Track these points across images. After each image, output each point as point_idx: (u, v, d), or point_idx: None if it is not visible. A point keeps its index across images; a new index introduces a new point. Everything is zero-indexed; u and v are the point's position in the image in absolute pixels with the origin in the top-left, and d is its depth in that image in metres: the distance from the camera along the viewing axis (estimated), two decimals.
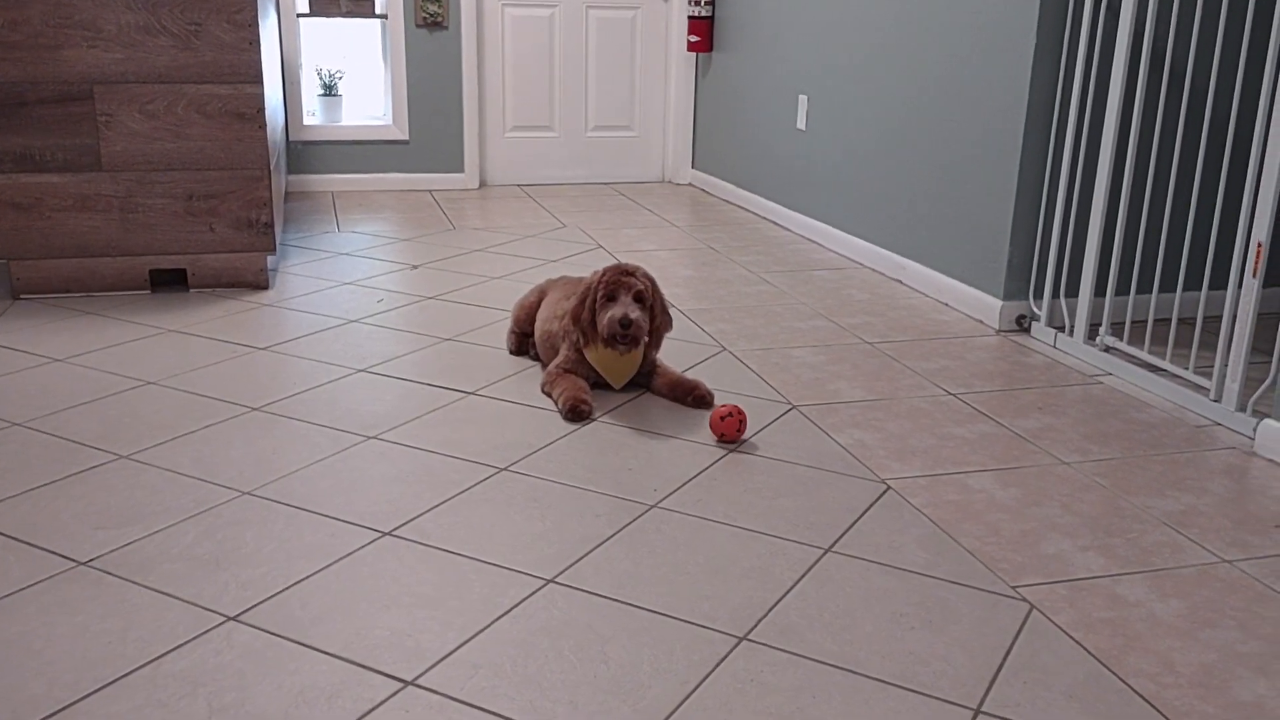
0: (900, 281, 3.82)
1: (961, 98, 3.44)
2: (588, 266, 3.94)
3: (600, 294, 2.55)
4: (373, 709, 1.49)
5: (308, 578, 1.81)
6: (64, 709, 1.47)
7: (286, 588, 1.78)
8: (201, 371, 2.76)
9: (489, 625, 1.69)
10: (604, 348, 2.57)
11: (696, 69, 5.61)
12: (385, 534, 1.96)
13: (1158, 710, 1.53)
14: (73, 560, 1.85)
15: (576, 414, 2.50)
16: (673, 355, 2.98)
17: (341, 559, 1.87)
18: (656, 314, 2.61)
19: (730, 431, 2.37)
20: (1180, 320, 2.96)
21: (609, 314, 2.52)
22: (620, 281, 2.55)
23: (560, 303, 2.77)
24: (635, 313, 2.52)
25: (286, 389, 2.66)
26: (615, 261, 2.94)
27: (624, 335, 2.52)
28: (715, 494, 2.14)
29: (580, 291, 2.61)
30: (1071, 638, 1.70)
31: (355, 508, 2.05)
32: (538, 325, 2.83)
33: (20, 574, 1.81)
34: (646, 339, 2.59)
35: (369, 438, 2.37)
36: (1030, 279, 3.28)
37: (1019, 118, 3.16)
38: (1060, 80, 3.11)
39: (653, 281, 2.61)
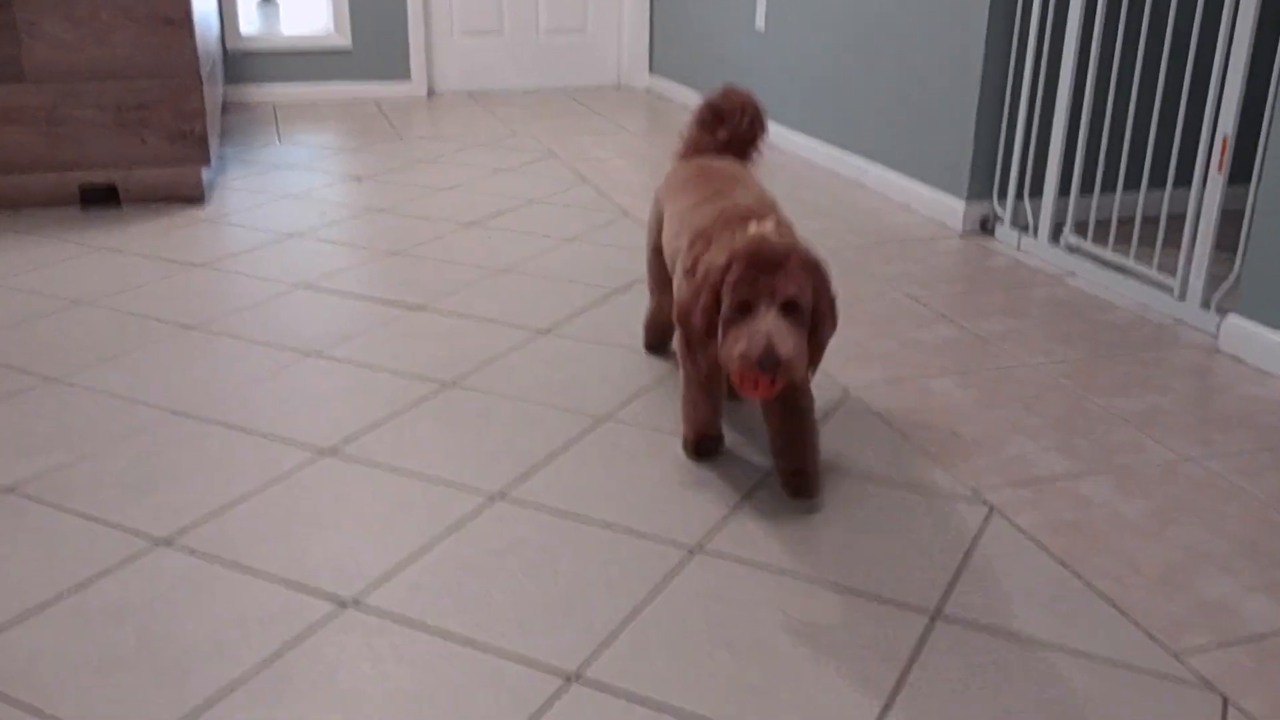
0: (861, 184, 3.73)
1: None
2: (541, 176, 3.82)
3: (729, 297, 1.58)
4: (312, 631, 1.42)
5: (244, 499, 1.73)
6: None
7: (221, 510, 1.70)
8: (134, 291, 2.64)
9: (433, 544, 1.62)
10: (736, 382, 1.62)
11: None
12: (325, 453, 1.88)
13: (1121, 611, 1.50)
14: None
15: (701, 453, 1.87)
16: (624, 263, 2.89)
17: (279, 480, 1.79)
18: (820, 321, 1.63)
19: (764, 391, 1.60)
20: (1144, 219, 2.90)
21: (740, 342, 1.55)
22: (760, 283, 1.55)
23: (700, 205, 1.85)
24: (787, 344, 1.53)
25: (223, 307, 2.55)
26: (733, 207, 1.76)
27: (762, 380, 1.57)
28: (671, 406, 2.08)
29: (696, 283, 1.65)
30: (1033, 540, 1.66)
31: (294, 427, 1.97)
32: (665, 241, 1.99)
33: None
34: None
35: (310, 355, 2.28)
36: (994, 180, 3.20)
37: (982, 13, 3.05)
38: None
39: (816, 268, 1.61)
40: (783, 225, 1.74)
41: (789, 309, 1.57)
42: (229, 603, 1.48)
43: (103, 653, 1.38)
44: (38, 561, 1.57)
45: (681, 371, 1.84)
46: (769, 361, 1.53)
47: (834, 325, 1.66)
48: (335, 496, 1.75)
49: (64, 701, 1.29)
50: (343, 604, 1.48)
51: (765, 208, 1.80)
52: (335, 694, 1.31)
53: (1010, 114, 3.12)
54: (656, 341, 2.31)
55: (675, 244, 1.89)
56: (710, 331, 1.64)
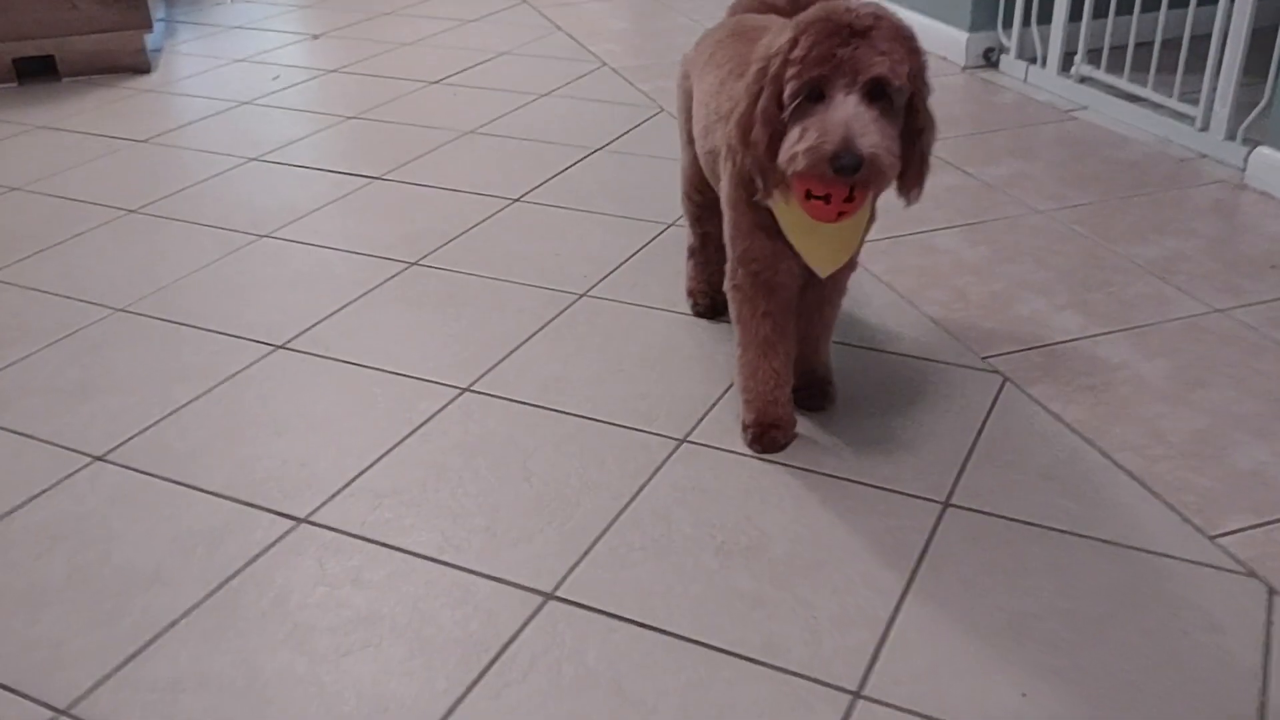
0: None
1: None
2: (511, 26, 3.55)
3: (793, 81, 1.19)
4: (261, 553, 1.30)
5: (187, 404, 1.59)
6: None
7: (162, 418, 1.56)
8: (72, 172, 2.44)
9: (395, 446, 1.48)
10: (801, 201, 1.24)
11: None
12: (277, 347, 1.73)
13: (1146, 487, 1.37)
14: None
15: (766, 445, 1.45)
16: (605, 119, 2.67)
17: (226, 380, 1.65)
18: (919, 120, 1.25)
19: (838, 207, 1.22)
20: (1164, 42, 2.66)
21: (809, 135, 1.17)
22: (836, 57, 1.17)
23: (728, 82, 1.43)
24: (871, 135, 1.16)
25: (168, 186, 2.35)
26: None
27: (847, 181, 1.18)
28: (652, 277, 1.91)
29: (753, 71, 1.26)
30: (1049, 411, 1.52)
31: (244, 319, 1.81)
32: (696, 140, 1.57)
33: None
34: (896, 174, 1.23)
35: (261, 236, 2.10)
36: (999, 6, 2.94)
37: None
38: None
39: (912, 41, 1.22)
40: None
41: (876, 93, 1.17)
42: (170, 523, 1.35)
43: (29, 586, 1.26)
44: None
45: (737, 328, 1.45)
46: (848, 160, 1.13)
47: (935, 125, 1.26)
48: (287, 397, 1.60)
49: None
50: (296, 520, 1.35)
51: None
52: (287, 625, 1.20)
53: None
54: (708, 303, 1.74)
55: (707, 143, 1.47)
56: (771, 147, 1.22)
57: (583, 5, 3.77)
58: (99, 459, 1.48)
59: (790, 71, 1.19)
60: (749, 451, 1.45)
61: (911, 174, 1.28)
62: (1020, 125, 2.57)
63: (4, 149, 2.59)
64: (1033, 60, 2.85)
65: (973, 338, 1.70)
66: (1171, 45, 2.93)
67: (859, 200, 1.21)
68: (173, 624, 1.20)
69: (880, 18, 1.20)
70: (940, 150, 2.41)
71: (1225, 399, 1.54)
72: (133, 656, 1.16)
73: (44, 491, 1.42)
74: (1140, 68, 2.70)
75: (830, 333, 1.52)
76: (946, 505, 1.35)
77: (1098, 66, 2.70)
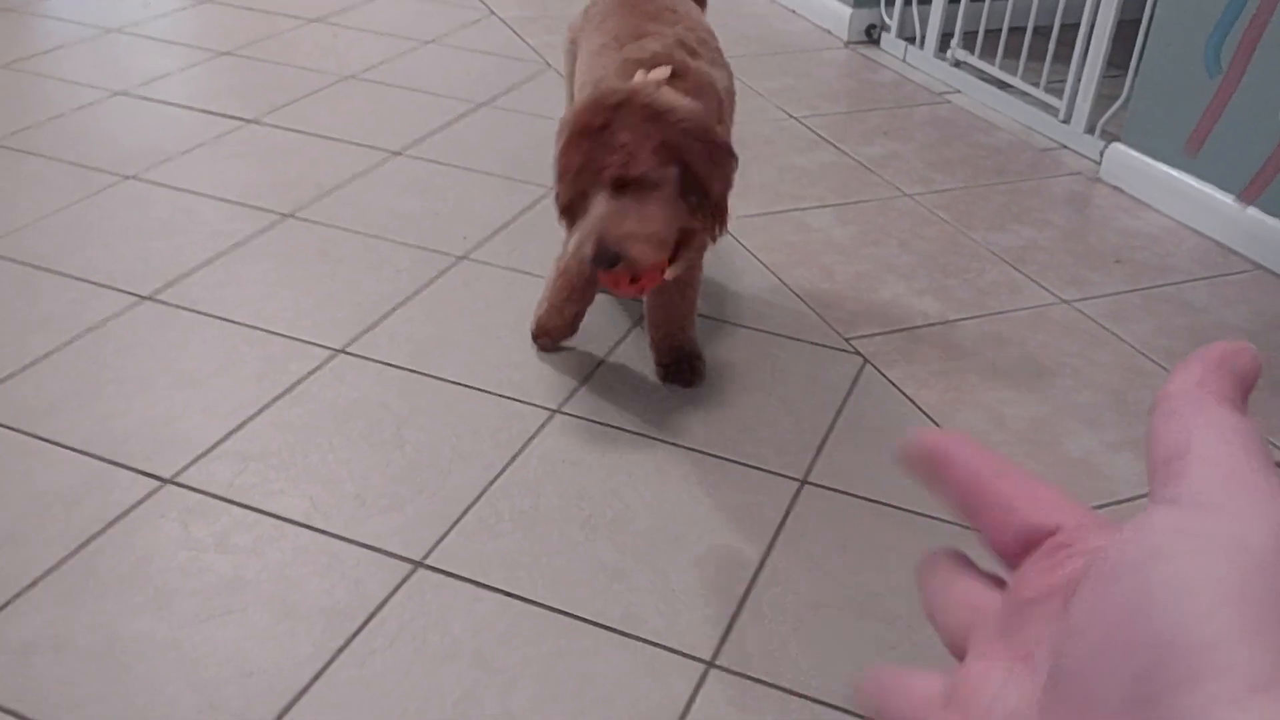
0: None
1: None
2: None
3: (559, 194, 1.35)
4: (122, 514, 1.28)
5: (44, 357, 1.54)
6: None
7: (17, 371, 1.51)
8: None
9: (264, 408, 1.47)
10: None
11: None
12: (142, 299, 1.69)
13: None
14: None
15: (540, 346, 1.61)
16: (491, 71, 2.64)
17: (86, 333, 1.60)
18: (703, 179, 1.31)
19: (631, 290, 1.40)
20: (1037, 30, 2.77)
21: (575, 239, 1.35)
22: (584, 160, 1.27)
23: (603, 54, 1.48)
24: (624, 228, 1.26)
25: (24, 118, 2.24)
26: (637, 50, 1.43)
27: (620, 278, 1.33)
28: (533, 242, 1.92)
29: (562, 137, 1.33)
30: (903, 393, 1.61)
31: (106, 267, 1.76)
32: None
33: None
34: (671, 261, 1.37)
35: (125, 178, 2.03)
36: None
37: None
38: None
39: (659, 119, 1.27)
40: (694, 76, 1.40)
41: (628, 185, 1.25)
42: (26, 481, 1.32)
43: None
44: None
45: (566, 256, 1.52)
46: (605, 259, 1.25)
47: (725, 179, 1.33)
48: (151, 352, 1.57)
49: None
50: (161, 480, 1.34)
51: (681, 49, 1.43)
52: (148, 590, 1.19)
53: None
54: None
55: None
56: (573, 203, 1.34)
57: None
58: None
59: (556, 186, 1.32)
60: (620, 424, 1.49)
61: (706, 228, 1.36)
62: (896, 105, 2.65)
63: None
64: (911, 40, 2.93)
65: (837, 318, 1.77)
66: (1043, 33, 3.05)
67: (647, 280, 1.32)
68: (29, 585, 1.18)
69: (621, 105, 1.24)
70: (818, 125, 2.48)
71: (1066, 387, 1.64)
72: None
73: None
74: (1012, 54, 2.81)
75: (693, 312, 1.57)
76: (804, 483, 1.41)
77: (972, 51, 2.80)
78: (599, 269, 1.27)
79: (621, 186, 1.26)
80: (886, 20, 3.01)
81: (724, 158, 1.33)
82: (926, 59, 2.85)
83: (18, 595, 1.17)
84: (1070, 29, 2.51)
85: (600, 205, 1.26)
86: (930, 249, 2.00)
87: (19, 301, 1.66)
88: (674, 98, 1.31)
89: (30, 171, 2.03)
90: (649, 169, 1.25)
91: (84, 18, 2.79)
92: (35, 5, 2.86)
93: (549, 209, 2.01)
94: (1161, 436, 0.23)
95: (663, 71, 1.36)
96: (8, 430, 1.40)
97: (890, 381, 1.63)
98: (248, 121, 2.29)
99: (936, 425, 1.54)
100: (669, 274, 1.36)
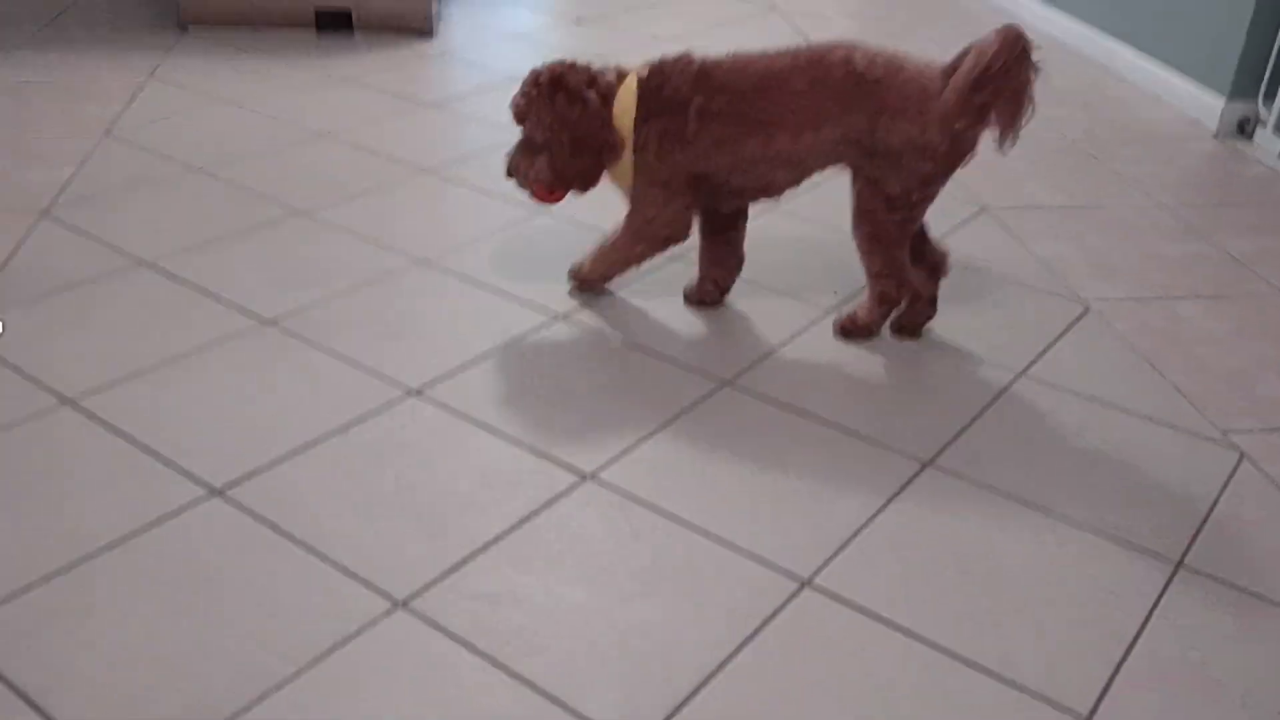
0: (1109, 68, 3.47)
1: None
2: (763, 32, 3.69)
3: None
4: (555, 498, 1.49)
5: (485, 358, 1.80)
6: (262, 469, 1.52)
7: (464, 366, 1.77)
8: (372, 127, 2.71)
9: (664, 425, 1.66)
10: None
11: None
12: (559, 317, 1.93)
13: None
14: (257, 318, 1.87)
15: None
16: None
17: (518, 340, 1.85)
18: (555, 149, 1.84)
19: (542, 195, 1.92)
20: None
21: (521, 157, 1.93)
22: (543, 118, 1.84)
23: None
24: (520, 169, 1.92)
25: (456, 151, 2.59)
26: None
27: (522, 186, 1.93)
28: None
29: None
30: None
31: (529, 288, 2.02)
32: None
33: (208, 328, 1.84)
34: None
35: (539, 214, 2.31)
36: (1263, 76, 2.92)
37: None
38: None
39: (546, 90, 1.82)
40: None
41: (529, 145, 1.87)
42: (479, 458, 1.56)
43: (366, 494, 1.49)
44: (302, 398, 1.68)
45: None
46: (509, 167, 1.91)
47: (564, 152, 1.82)
48: (569, 362, 1.80)
49: (335, 542, 1.40)
50: (582, 475, 1.54)
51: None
52: (576, 566, 1.38)
53: None
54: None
55: None
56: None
57: (832, 20, 3.88)
58: (415, 394, 1.70)
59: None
60: (990, 481, 1.57)
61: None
62: (1270, 203, 2.57)
63: (312, 96, 2.88)
64: None
65: (1212, 410, 1.77)
66: None
67: (550, 196, 1.90)
68: (486, 548, 1.40)
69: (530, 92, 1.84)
70: (1187, 215, 2.46)
71: None
72: (456, 566, 1.37)
73: (371, 415, 1.65)
74: None
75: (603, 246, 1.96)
76: (1179, 566, 1.44)
77: None
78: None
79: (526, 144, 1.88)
80: (1263, 114, 2.92)
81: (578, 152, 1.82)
82: None
83: (476, 554, 1.39)
84: None
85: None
86: None
87: (461, 309, 1.94)
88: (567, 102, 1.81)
89: (463, 200, 2.36)
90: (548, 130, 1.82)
91: (496, 65, 3.16)
92: (458, 52, 3.28)
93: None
94: None
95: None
96: (461, 416, 1.65)
97: (1270, 479, 1.61)
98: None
99: None
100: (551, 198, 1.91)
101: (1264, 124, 2.91)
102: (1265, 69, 2.91)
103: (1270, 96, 2.92)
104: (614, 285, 2.03)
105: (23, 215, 2.17)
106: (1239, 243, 2.36)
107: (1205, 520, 1.53)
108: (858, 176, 1.77)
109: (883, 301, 1.87)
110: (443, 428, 1.63)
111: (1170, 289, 2.14)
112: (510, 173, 1.92)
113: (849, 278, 2.11)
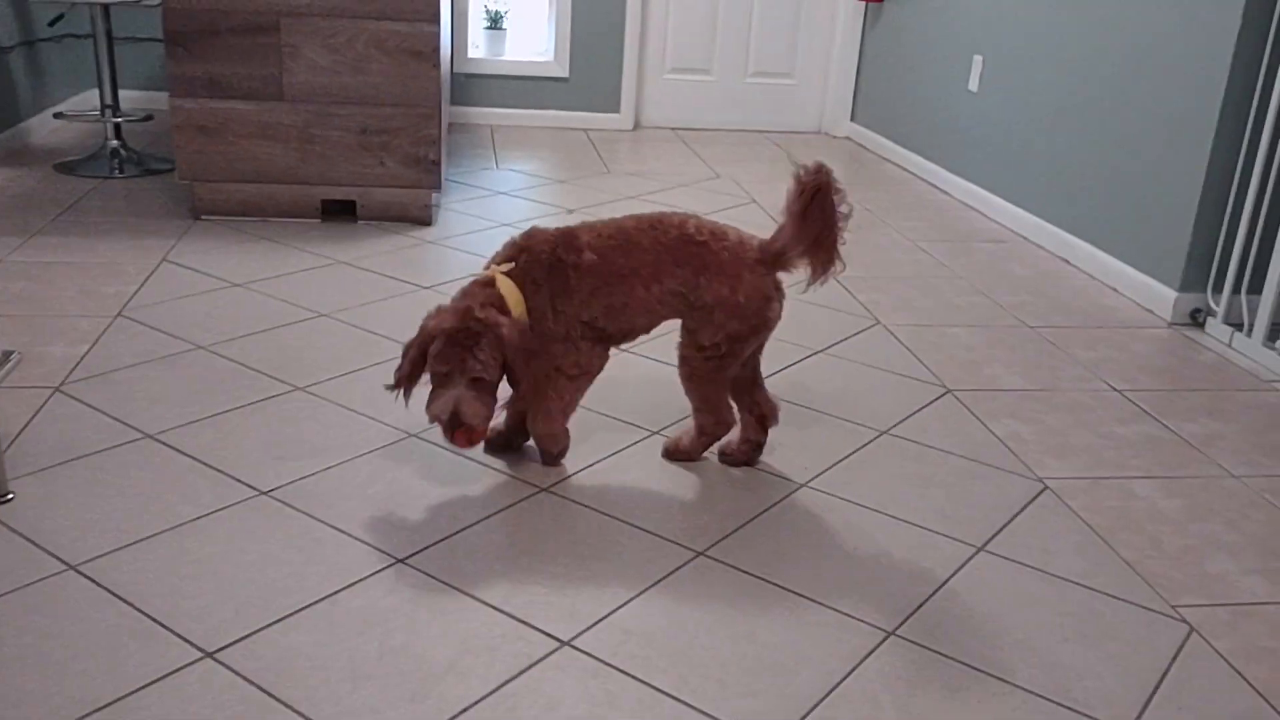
0: (1066, 260, 3.70)
1: (1152, 67, 3.27)
2: (742, 223, 3.93)
3: (431, 367, 1.91)
4: (533, 664, 1.56)
5: (469, 527, 1.89)
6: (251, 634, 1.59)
7: (451, 537, 1.86)
8: (369, 308, 2.87)
9: (638, 595, 1.74)
10: None
11: (865, 19, 5.46)
12: (543, 491, 2.03)
13: None
14: (255, 489, 1.97)
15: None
16: (823, 327, 2.96)
17: (503, 511, 1.95)
18: (518, 381, 1.94)
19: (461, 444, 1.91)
20: None
21: (433, 404, 1.90)
22: (460, 358, 1.87)
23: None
24: (478, 418, 1.88)
25: None
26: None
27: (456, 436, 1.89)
28: (865, 478, 2.14)
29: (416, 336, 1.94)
30: (1232, 666, 1.66)
31: (522, 468, 2.12)
32: None
33: (209, 498, 1.94)
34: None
35: None
36: (1210, 271, 3.13)
37: (1216, 94, 2.99)
38: (1266, 56, 2.92)
39: (506, 345, 1.89)
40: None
41: (477, 382, 1.87)
42: (459, 625, 1.63)
43: (351, 658, 1.55)
44: (294, 566, 1.76)
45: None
46: (456, 425, 1.86)
47: (530, 375, 1.93)
48: (549, 532, 1.89)
49: (322, 705, 1.46)
50: (560, 641, 1.61)
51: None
52: None
53: (1237, 202, 3.05)
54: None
55: None
56: (411, 376, 1.93)
57: None
58: (401, 561, 1.78)
59: (408, 367, 1.94)
60: (952, 653, 1.64)
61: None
62: (1219, 388, 2.72)
63: (314, 277, 3.06)
64: (1239, 327, 3.01)
65: (1164, 586, 1.86)
66: None
67: (476, 436, 1.89)
68: (464, 711, 1.46)
69: (484, 331, 1.88)
70: (1141, 400, 2.60)
71: None
72: None
73: (359, 582, 1.72)
74: None
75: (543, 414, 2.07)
76: None
77: None
78: (451, 430, 1.87)
79: (474, 381, 1.87)
80: (1213, 306, 3.11)
81: (530, 359, 1.93)
82: (1254, 346, 2.91)
83: (457, 716, 1.45)
84: None
85: (459, 390, 1.86)
86: (1259, 531, 2.05)
87: (453, 482, 2.04)
88: (510, 327, 1.90)
89: None
90: (492, 374, 1.88)
91: (488, 252, 3.36)
92: (454, 239, 3.49)
93: (879, 451, 2.24)
94: None
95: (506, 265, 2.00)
96: (444, 585, 1.73)
97: (1218, 653, 1.69)
98: (623, 350, 2.69)
99: (1267, 702, 1.58)
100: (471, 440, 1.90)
101: (1215, 315, 3.09)
102: (1211, 265, 3.12)
103: (1218, 289, 3.12)
104: (593, 456, 2.14)
105: (38, 390, 2.29)
106: (1191, 426, 2.49)
107: (1156, 689, 1.59)
108: (683, 326, 2.04)
109: (701, 434, 2.14)
110: (426, 595, 1.70)
111: (1124, 469, 2.26)
112: (457, 423, 1.86)
113: (826, 453, 2.23)
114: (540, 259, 1.99)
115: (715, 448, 2.19)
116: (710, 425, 2.11)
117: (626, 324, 2.04)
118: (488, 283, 1.97)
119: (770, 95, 5.64)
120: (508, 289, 1.97)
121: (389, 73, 3.49)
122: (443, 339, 1.86)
